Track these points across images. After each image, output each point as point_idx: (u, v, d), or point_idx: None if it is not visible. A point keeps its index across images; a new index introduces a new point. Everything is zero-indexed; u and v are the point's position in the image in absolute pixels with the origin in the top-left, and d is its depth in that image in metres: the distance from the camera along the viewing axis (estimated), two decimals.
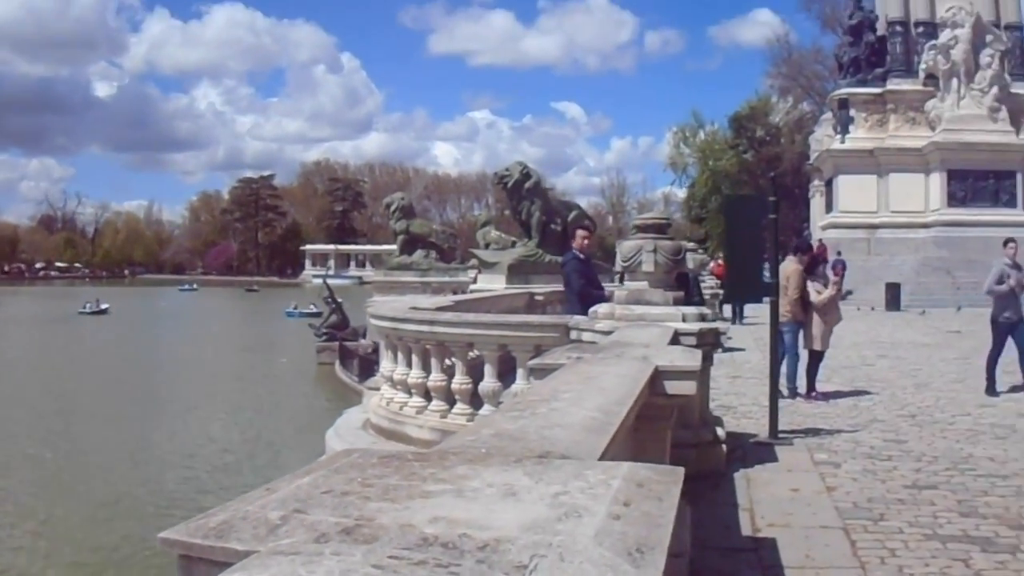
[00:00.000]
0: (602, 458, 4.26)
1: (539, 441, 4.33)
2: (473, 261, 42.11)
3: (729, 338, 30.32)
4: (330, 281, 79.17)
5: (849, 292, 47.53)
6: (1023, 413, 17.75)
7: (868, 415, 17.58)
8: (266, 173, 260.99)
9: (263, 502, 3.26)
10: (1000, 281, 20.11)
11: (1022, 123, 64.30)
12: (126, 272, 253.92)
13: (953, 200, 62.16)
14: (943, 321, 42.04)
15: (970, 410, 18.13)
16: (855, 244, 62.87)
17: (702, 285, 32.50)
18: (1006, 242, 21.38)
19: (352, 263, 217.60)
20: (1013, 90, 64.25)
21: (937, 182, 62.67)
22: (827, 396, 19.53)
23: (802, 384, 19.74)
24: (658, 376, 7.58)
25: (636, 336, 10.44)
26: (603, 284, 19.59)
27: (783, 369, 19.05)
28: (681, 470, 3.71)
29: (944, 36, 63.43)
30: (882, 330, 37.69)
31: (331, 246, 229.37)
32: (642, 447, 7.49)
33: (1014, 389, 20.30)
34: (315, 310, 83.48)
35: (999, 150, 61.51)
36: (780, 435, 15.04)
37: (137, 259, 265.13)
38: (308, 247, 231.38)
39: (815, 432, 15.76)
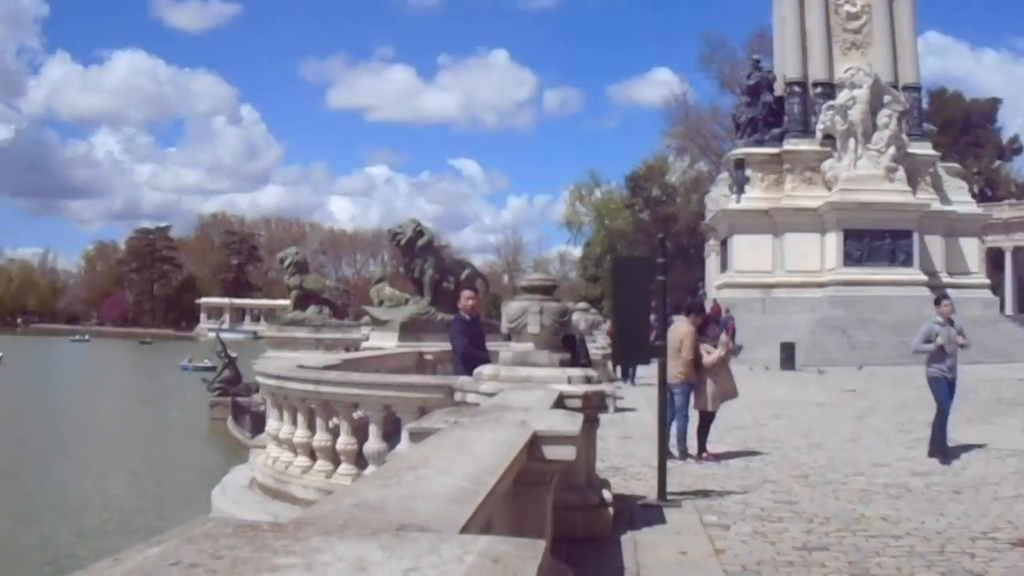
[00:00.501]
0: (465, 530, 4.21)
1: (399, 512, 4.27)
2: (366, 318, 42.10)
3: (621, 398, 30.44)
4: (224, 335, 78.98)
5: (739, 347, 47.82)
6: (917, 472, 17.89)
7: (759, 476, 17.65)
8: (163, 224, 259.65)
9: (109, 574, 3.18)
10: (927, 340, 20.06)
11: (919, 183, 65.31)
12: (19, 320, 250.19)
13: (849, 259, 62.86)
14: (840, 380, 42.39)
15: (863, 470, 18.25)
16: (750, 304, 63.34)
17: (595, 345, 32.57)
18: (939, 300, 21.39)
19: (247, 317, 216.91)
20: (910, 150, 65.23)
21: (833, 242, 63.36)
22: (718, 457, 19.59)
23: (693, 445, 19.80)
24: (537, 441, 7.54)
25: (518, 399, 10.40)
26: (493, 343, 19.59)
27: (673, 430, 19.12)
28: (542, 543, 3.66)
29: (842, 97, 64.26)
30: (776, 390, 37.93)
31: (226, 300, 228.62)
32: (522, 512, 7.45)
33: (910, 447, 20.50)
34: (209, 364, 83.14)
35: (896, 210, 62.34)
36: (669, 497, 15.03)
37: (31, 307, 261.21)
38: (203, 300, 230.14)
39: (705, 494, 15.77)
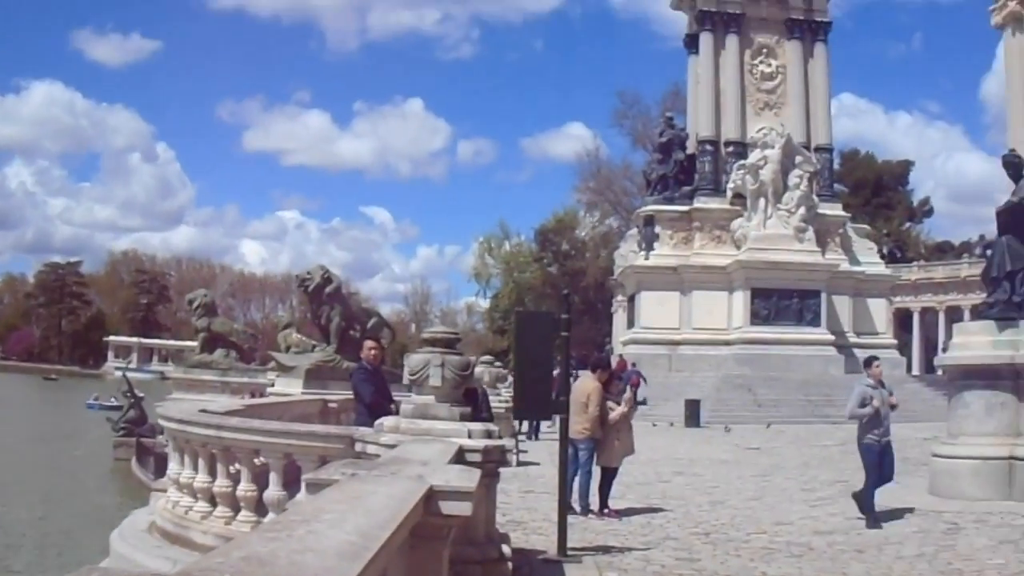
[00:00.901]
0: None
1: (288, 567, 4.23)
2: (272, 363, 41.95)
3: (524, 452, 30.46)
4: (132, 375, 78.05)
5: (643, 401, 47.92)
6: (820, 531, 17.99)
7: (661, 532, 17.70)
8: (73, 259, 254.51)
9: None
10: (863, 404, 19.66)
11: (828, 243, 65.99)
12: None
13: (756, 318, 63.35)
14: (745, 438, 42.57)
15: (766, 528, 18.32)
16: (656, 360, 63.53)
17: (499, 398, 32.56)
18: (869, 361, 20.91)
19: (155, 357, 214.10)
20: (820, 211, 65.88)
21: (741, 300, 63.83)
22: (620, 513, 19.62)
23: (595, 501, 19.81)
24: (433, 496, 7.52)
25: (417, 452, 10.37)
26: (399, 393, 19.53)
27: (575, 485, 19.14)
28: None
29: (754, 156, 64.81)
30: (680, 446, 38.04)
31: (135, 339, 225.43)
32: (418, 567, 7.43)
33: (814, 506, 20.62)
34: (116, 403, 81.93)
35: (804, 270, 62.94)
36: (570, 552, 15.05)
37: None
38: (111, 338, 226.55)
39: (606, 550, 15.80)
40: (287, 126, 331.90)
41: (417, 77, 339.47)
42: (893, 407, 20.24)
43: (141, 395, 62.25)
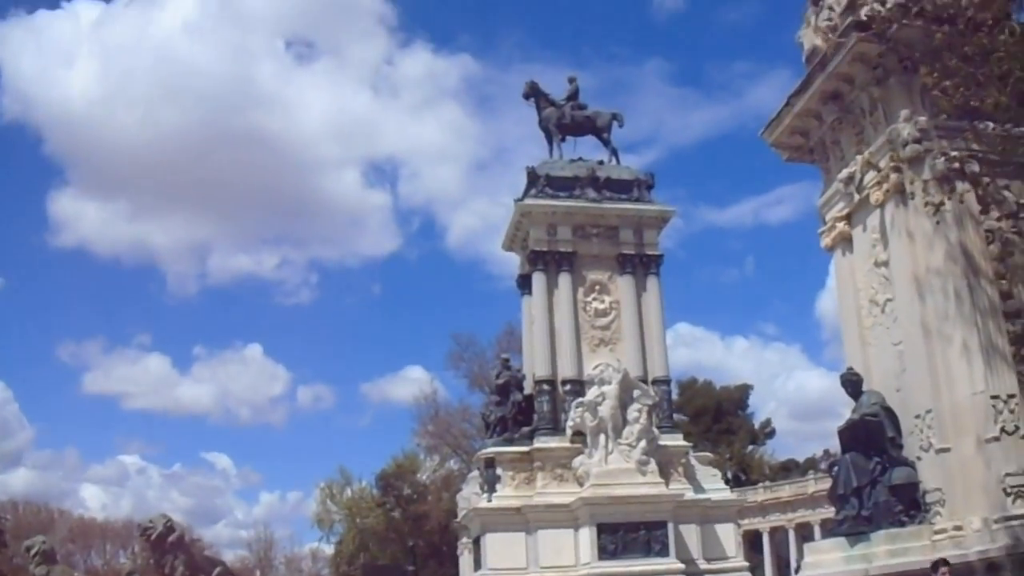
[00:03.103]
0: None
1: None
2: None
3: None
4: None
5: None
6: None
7: None
8: None
9: None
10: None
11: (672, 473, 66.04)
12: None
13: (604, 553, 62.71)
14: None
15: None
16: None
17: None
18: None
19: None
20: (662, 442, 65.95)
21: (587, 536, 63.29)
22: None
23: None
24: None
25: None
26: None
27: None
28: None
29: (591, 393, 64.89)
30: None
31: None
32: None
33: None
34: None
35: (649, 502, 62.74)
36: None
37: None
38: None
39: None
40: (128, 369, 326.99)
41: (256, 322, 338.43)
42: None
43: None
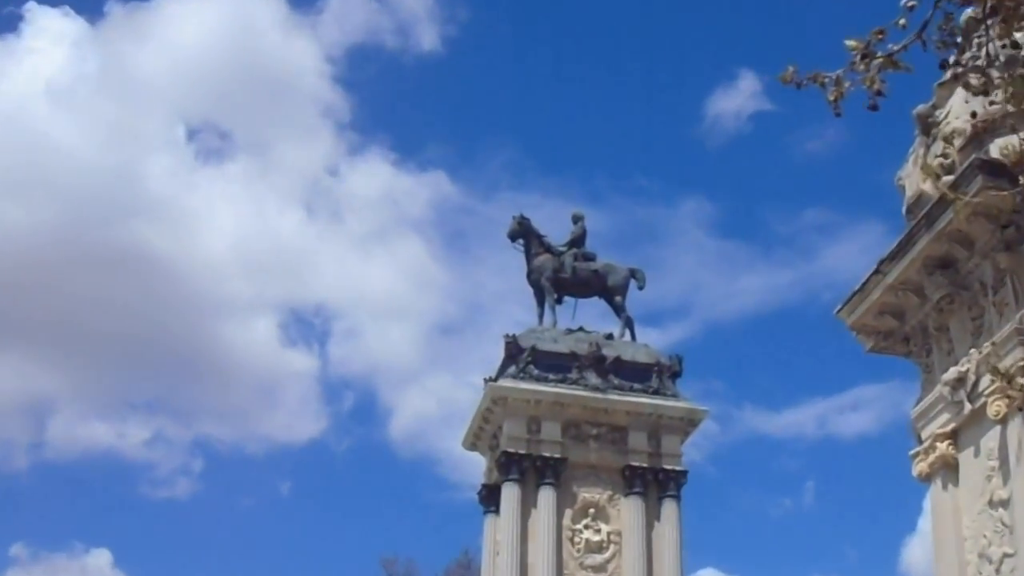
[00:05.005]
0: None
1: None
2: None
3: None
4: None
5: None
6: None
7: None
8: None
9: None
10: None
11: None
12: None
13: None
14: None
15: None
16: None
17: None
18: None
19: None
20: None
21: None
22: None
23: None
24: None
25: None
26: None
27: None
28: None
29: None
30: None
31: None
32: None
33: None
34: None
35: None
36: None
37: None
38: None
39: None
40: None
41: (108, 518, 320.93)
42: None
43: None
